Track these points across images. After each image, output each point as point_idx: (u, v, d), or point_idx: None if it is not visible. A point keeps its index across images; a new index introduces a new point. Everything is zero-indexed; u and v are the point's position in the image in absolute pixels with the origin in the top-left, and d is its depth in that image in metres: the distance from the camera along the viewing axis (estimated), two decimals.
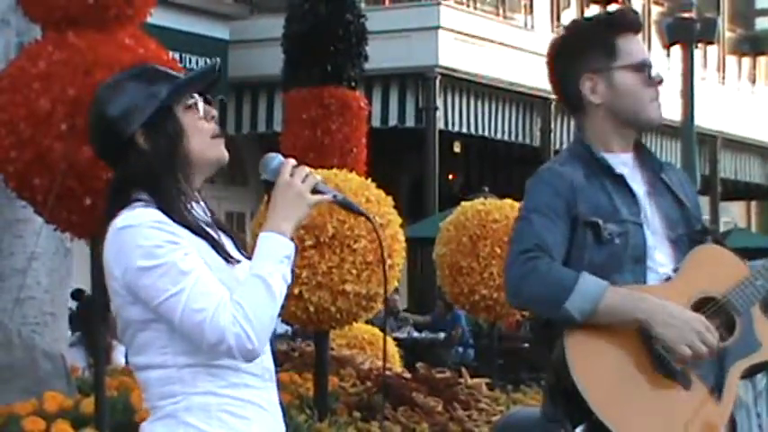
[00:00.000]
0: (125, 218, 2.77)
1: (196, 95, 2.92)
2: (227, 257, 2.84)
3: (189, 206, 2.86)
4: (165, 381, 2.78)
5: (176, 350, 2.77)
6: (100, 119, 2.90)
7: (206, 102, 2.93)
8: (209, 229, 2.86)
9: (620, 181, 3.55)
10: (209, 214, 2.93)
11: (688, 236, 3.59)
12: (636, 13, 3.81)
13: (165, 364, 2.77)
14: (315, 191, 2.85)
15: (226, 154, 2.92)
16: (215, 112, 2.96)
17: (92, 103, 2.94)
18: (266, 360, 2.85)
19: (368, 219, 3.02)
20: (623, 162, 3.59)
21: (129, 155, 2.86)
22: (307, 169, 2.86)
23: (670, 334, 3.33)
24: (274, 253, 2.77)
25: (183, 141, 2.86)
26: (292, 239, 2.81)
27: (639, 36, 3.69)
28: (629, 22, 3.65)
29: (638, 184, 3.59)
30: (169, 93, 2.87)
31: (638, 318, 3.35)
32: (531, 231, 3.45)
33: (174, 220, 2.78)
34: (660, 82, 3.61)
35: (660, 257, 3.53)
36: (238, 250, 2.93)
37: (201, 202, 2.94)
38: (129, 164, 2.86)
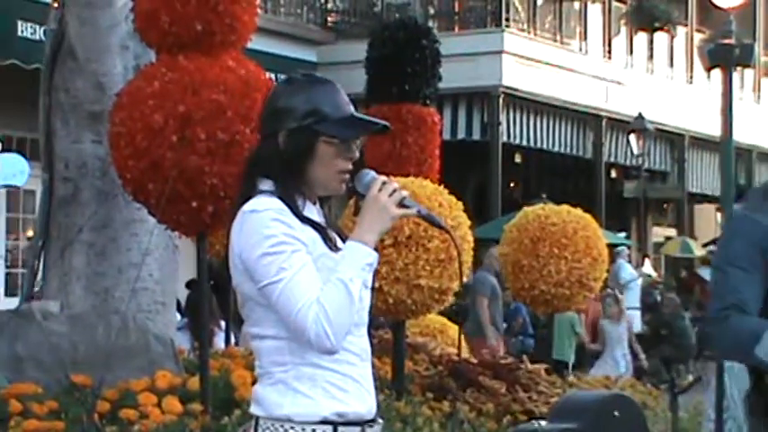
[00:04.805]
0: (253, 203, 2.78)
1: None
2: (332, 246, 2.83)
3: (304, 203, 2.84)
4: (277, 350, 2.78)
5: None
6: (265, 106, 2.93)
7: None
8: (320, 224, 2.85)
9: None
10: (322, 215, 2.91)
11: None
12: None
13: (277, 336, 2.78)
14: (401, 205, 2.83)
15: (342, 189, 2.90)
16: (356, 156, 2.90)
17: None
18: (364, 342, 2.85)
19: (446, 231, 2.97)
20: None
21: (268, 143, 2.86)
22: (395, 185, 2.83)
23: None
24: (357, 261, 2.76)
25: (307, 164, 2.84)
26: (376, 248, 2.79)
27: None
28: None
29: None
30: (317, 120, 2.84)
31: None
32: (728, 286, 3.29)
33: (293, 212, 2.77)
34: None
35: None
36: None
37: (317, 204, 2.92)
38: (262, 149, 2.88)
